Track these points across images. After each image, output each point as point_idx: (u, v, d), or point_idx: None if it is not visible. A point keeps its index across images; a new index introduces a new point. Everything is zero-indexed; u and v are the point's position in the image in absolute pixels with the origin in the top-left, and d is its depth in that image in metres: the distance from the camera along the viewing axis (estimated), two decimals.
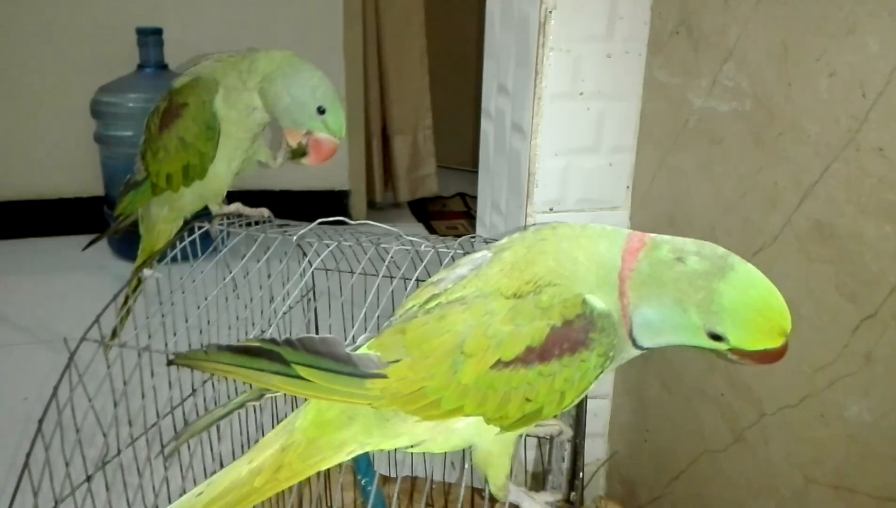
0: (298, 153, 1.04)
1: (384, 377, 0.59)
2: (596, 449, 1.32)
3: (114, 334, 0.87)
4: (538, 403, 0.60)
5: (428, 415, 0.61)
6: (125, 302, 0.97)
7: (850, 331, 0.79)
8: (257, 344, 0.59)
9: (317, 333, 1.20)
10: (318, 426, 0.63)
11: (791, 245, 0.86)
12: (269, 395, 0.64)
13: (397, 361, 0.60)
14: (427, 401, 0.60)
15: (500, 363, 0.58)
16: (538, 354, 0.58)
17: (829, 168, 0.80)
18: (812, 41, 0.81)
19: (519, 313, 0.58)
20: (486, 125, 1.30)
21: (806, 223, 0.84)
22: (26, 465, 0.64)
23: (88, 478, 0.71)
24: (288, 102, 0.97)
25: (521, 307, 0.59)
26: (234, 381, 1.00)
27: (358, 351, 0.62)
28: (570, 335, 0.58)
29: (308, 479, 1.29)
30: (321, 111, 0.97)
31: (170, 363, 0.62)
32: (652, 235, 0.61)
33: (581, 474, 0.86)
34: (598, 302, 0.58)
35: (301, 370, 0.58)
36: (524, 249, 0.63)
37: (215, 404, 0.85)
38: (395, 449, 0.67)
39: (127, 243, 2.40)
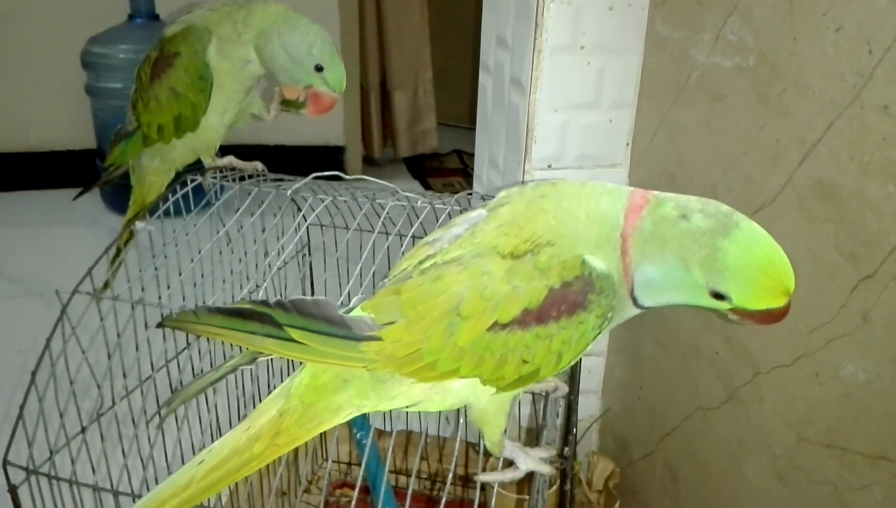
0: (292, 105, 1.03)
1: (379, 339, 0.59)
2: (589, 406, 1.33)
3: (105, 286, 0.86)
4: (535, 365, 0.60)
5: (423, 377, 0.60)
6: (117, 254, 0.96)
7: (847, 291, 0.79)
8: (248, 306, 0.58)
9: (312, 289, 1.20)
10: (314, 391, 0.63)
11: (792, 204, 0.85)
12: (262, 358, 0.63)
13: (392, 323, 0.59)
14: (423, 363, 0.59)
15: (496, 326, 0.58)
16: (535, 316, 0.58)
17: (832, 126, 0.79)
18: None
19: (516, 274, 0.58)
20: (484, 79, 1.28)
21: (807, 182, 0.83)
22: (20, 416, 0.64)
23: (83, 429, 0.71)
24: (284, 60, 0.95)
25: (518, 268, 0.58)
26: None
27: (352, 313, 0.61)
28: (569, 298, 0.57)
29: None
30: (319, 68, 0.96)
31: (159, 325, 0.61)
32: (655, 192, 0.60)
33: (574, 430, 0.87)
34: (598, 263, 0.58)
35: (294, 333, 0.57)
36: (523, 205, 0.62)
37: (210, 357, 0.85)
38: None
39: (119, 197, 2.38)
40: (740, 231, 0.55)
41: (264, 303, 0.58)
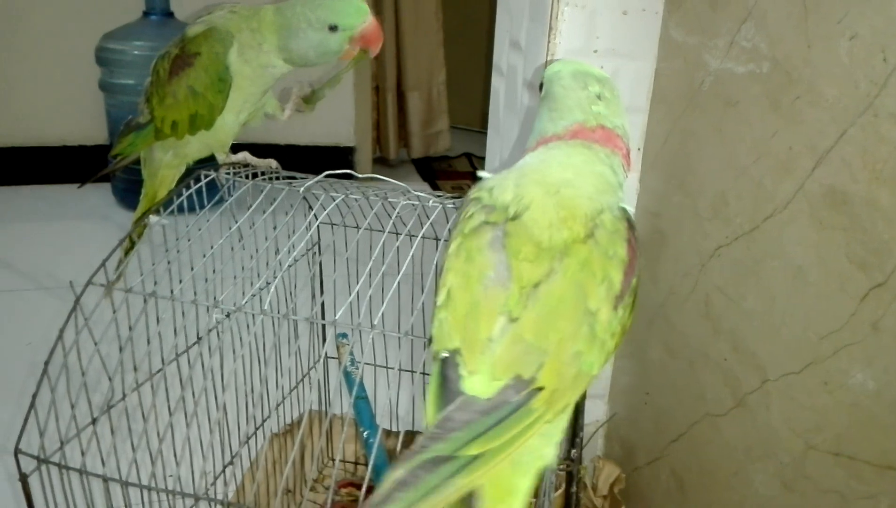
0: (308, 102, 1.03)
1: (539, 388, 0.54)
2: (596, 410, 1.33)
3: (118, 277, 0.87)
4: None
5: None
6: (130, 247, 0.96)
7: (857, 299, 0.79)
8: (415, 468, 0.51)
9: (321, 288, 1.20)
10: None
11: (803, 211, 0.85)
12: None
13: (540, 362, 0.55)
14: (587, 378, 0.57)
15: (616, 299, 0.58)
16: (626, 273, 0.59)
17: (845, 134, 0.79)
18: (834, 2, 0.80)
19: (596, 250, 0.59)
20: (496, 82, 1.28)
21: (819, 189, 0.83)
22: (32, 405, 0.65)
23: (94, 420, 0.72)
24: (314, 55, 0.95)
25: (594, 246, 0.59)
26: (240, 330, 1.01)
27: (467, 387, 0.55)
28: (633, 262, 0.60)
29: (311, 432, 1.30)
30: (334, 28, 0.93)
31: None
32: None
33: (581, 433, 0.87)
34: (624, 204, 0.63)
35: (472, 450, 0.51)
36: (542, 194, 0.61)
37: (220, 352, 0.85)
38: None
39: (129, 192, 2.40)
40: None
41: (423, 450, 0.52)
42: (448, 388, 0.55)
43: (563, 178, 0.63)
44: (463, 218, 0.63)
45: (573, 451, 0.87)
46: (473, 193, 0.65)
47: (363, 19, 0.94)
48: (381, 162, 3.07)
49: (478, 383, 0.55)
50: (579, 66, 0.72)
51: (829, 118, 0.81)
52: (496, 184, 0.64)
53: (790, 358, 0.89)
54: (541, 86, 0.63)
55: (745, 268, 0.95)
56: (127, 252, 0.98)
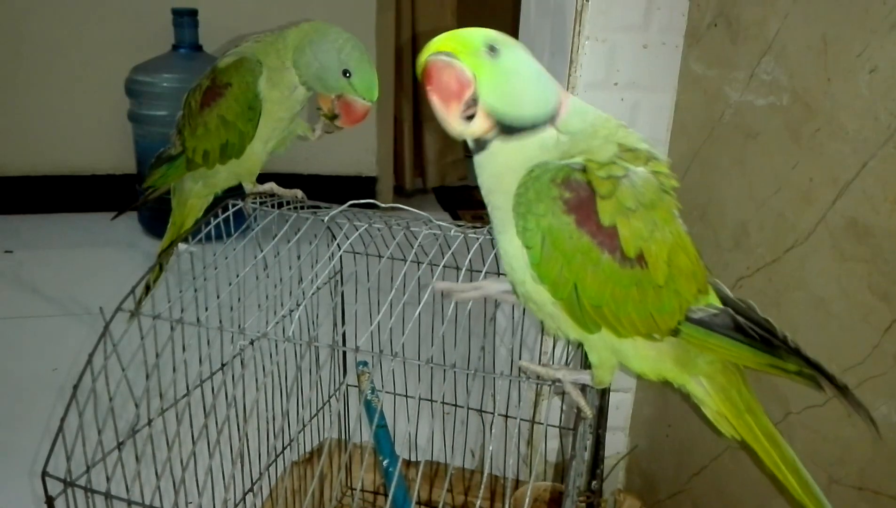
0: (335, 124, 1.03)
1: None
2: (617, 443, 1.32)
3: (140, 301, 0.88)
4: None
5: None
6: (158, 274, 0.98)
7: (881, 331, 0.78)
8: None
9: (343, 317, 1.21)
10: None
11: (825, 243, 0.85)
12: None
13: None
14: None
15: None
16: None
17: (866, 165, 0.79)
18: (853, 36, 0.80)
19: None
20: None
21: (841, 221, 0.83)
22: (60, 429, 0.66)
23: (120, 444, 0.73)
24: (316, 68, 0.96)
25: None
26: (262, 359, 1.01)
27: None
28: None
29: (330, 461, 1.30)
30: (346, 74, 0.95)
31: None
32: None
33: (602, 464, 0.86)
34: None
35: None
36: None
37: (243, 380, 0.86)
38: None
39: (156, 221, 2.43)
40: None
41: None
42: None
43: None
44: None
45: (594, 483, 0.87)
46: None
47: (365, 96, 0.97)
48: (398, 191, 3.10)
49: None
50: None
51: (850, 150, 0.81)
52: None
53: (813, 391, 0.88)
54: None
55: (767, 299, 0.95)
56: (155, 279, 1.00)
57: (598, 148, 0.63)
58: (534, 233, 0.60)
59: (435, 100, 0.62)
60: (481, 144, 0.64)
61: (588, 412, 0.71)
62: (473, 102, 0.61)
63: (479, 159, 0.65)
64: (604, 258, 0.60)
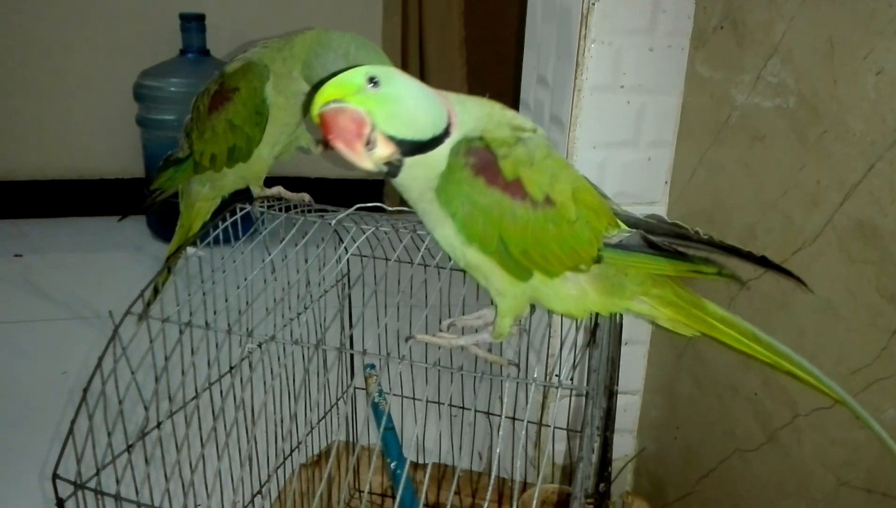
0: None
1: None
2: (625, 445, 1.32)
3: (149, 303, 0.89)
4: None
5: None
6: (167, 277, 0.99)
7: (889, 333, 0.78)
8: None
9: (350, 320, 1.21)
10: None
11: (832, 245, 0.85)
12: None
13: None
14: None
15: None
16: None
17: (873, 167, 0.79)
18: (860, 38, 0.80)
19: None
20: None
21: (848, 223, 0.83)
22: (70, 432, 0.66)
23: (129, 447, 0.73)
24: (318, 75, 0.96)
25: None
26: (271, 362, 1.02)
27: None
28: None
29: (338, 464, 1.30)
30: None
31: None
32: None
33: (610, 466, 0.86)
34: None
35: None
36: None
37: (251, 383, 0.87)
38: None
39: (163, 225, 2.44)
40: None
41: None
42: None
43: None
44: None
45: (601, 485, 0.87)
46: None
47: None
48: None
49: None
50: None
51: (857, 152, 0.81)
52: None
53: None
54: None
55: (775, 301, 0.95)
56: (163, 283, 1.00)
57: (493, 129, 0.70)
58: (454, 200, 0.68)
59: (340, 146, 0.66)
60: (393, 168, 0.69)
61: (504, 362, 0.77)
62: (373, 136, 0.66)
63: (399, 181, 0.70)
64: (517, 206, 0.68)
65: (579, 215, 0.69)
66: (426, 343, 0.80)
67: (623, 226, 0.74)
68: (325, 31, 0.99)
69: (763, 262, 0.74)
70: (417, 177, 0.69)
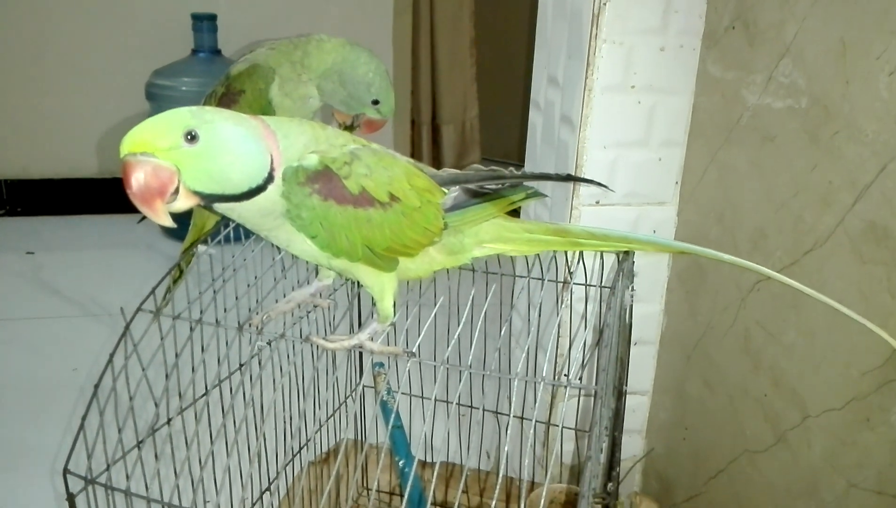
0: (346, 130, 1.06)
1: None
2: (633, 446, 1.32)
3: (165, 303, 0.90)
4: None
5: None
6: (179, 275, 0.99)
7: None
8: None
9: (359, 317, 1.22)
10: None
11: (843, 246, 0.85)
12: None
13: None
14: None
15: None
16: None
17: (885, 168, 0.79)
18: (872, 38, 0.80)
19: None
20: (534, 117, 1.30)
21: (860, 224, 0.83)
22: (81, 427, 0.67)
23: (140, 443, 0.74)
24: (344, 97, 1.01)
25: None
26: (280, 360, 1.03)
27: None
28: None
29: (346, 462, 1.31)
30: (375, 102, 1.01)
31: None
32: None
33: (618, 467, 0.86)
34: None
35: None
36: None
37: (261, 380, 0.87)
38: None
39: (175, 223, 2.45)
40: None
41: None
42: None
43: None
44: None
45: (609, 485, 0.87)
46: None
47: (389, 114, 1.05)
48: None
49: None
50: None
51: (870, 153, 0.81)
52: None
53: (831, 394, 0.88)
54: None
55: (786, 303, 0.95)
56: (175, 281, 1.01)
57: (326, 151, 0.72)
58: (311, 225, 0.70)
59: (137, 202, 0.65)
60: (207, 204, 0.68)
61: (400, 352, 0.78)
62: (177, 189, 0.64)
63: (223, 209, 0.69)
64: (370, 213, 0.72)
65: (421, 199, 0.75)
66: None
67: (446, 191, 0.79)
68: (351, 46, 1.00)
69: (568, 178, 0.93)
70: (244, 212, 0.69)
